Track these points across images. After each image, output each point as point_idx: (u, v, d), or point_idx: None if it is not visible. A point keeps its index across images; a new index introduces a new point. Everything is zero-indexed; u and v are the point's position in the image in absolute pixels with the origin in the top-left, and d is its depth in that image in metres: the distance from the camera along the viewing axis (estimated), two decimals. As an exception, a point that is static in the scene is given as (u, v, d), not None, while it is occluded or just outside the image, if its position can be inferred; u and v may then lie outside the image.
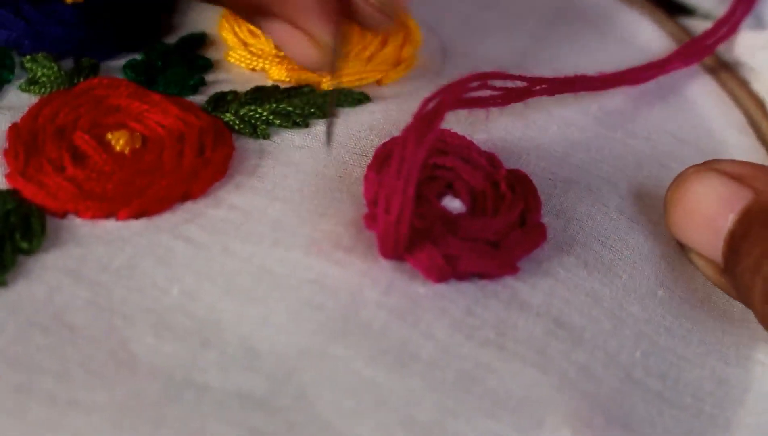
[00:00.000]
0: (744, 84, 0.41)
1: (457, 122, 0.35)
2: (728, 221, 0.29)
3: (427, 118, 0.29)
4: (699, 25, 0.43)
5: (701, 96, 0.40)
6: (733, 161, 0.31)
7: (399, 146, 0.29)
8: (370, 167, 0.31)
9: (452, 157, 0.32)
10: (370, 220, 0.30)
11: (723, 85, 0.41)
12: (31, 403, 0.25)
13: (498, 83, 0.33)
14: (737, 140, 0.38)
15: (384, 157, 0.31)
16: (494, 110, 0.37)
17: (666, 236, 0.33)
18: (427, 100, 0.30)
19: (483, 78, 0.31)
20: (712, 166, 0.30)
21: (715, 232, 0.29)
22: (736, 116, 0.39)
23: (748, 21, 0.41)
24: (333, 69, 0.32)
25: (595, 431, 0.27)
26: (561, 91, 0.35)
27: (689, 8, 0.44)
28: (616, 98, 0.38)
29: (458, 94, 0.30)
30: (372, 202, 0.30)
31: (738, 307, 0.32)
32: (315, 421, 0.26)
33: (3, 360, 0.26)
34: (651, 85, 0.39)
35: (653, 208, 0.34)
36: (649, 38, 0.42)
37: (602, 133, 0.37)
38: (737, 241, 0.29)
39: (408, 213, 0.28)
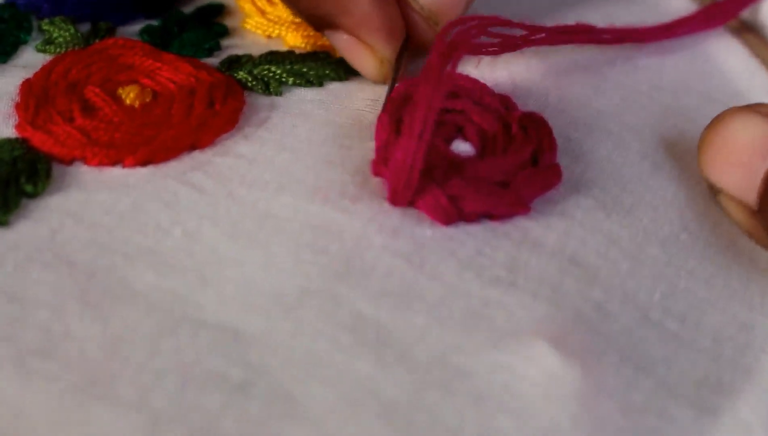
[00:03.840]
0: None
1: (474, 63, 0.34)
2: (767, 161, 0.28)
3: (441, 62, 0.29)
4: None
5: (730, 59, 0.39)
6: None
7: (415, 91, 0.28)
8: (384, 110, 0.31)
9: (464, 101, 0.31)
10: (379, 165, 0.29)
11: (752, 49, 0.40)
12: (26, 332, 0.25)
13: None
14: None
15: (400, 100, 0.31)
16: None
17: (692, 181, 0.32)
18: (441, 42, 0.29)
19: (482, 24, 0.31)
20: (754, 108, 0.29)
21: (752, 171, 0.28)
22: (764, 78, 0.38)
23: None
24: (394, 82, 0.33)
25: (605, 367, 0.26)
26: (563, 42, 0.34)
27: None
28: (642, 57, 0.38)
29: (469, 39, 0.30)
30: (382, 147, 0.30)
31: (765, 256, 0.30)
32: (312, 355, 0.25)
33: (0, 292, 0.26)
34: (678, 47, 0.38)
35: (679, 156, 0.33)
36: (680, 5, 0.41)
37: (628, 84, 0.36)
38: None
39: (421, 158, 0.28)
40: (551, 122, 0.31)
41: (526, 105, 0.32)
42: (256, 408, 0.24)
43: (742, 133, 0.29)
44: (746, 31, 0.40)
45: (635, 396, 0.26)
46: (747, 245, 0.30)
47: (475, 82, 0.32)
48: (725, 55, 0.39)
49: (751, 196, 0.28)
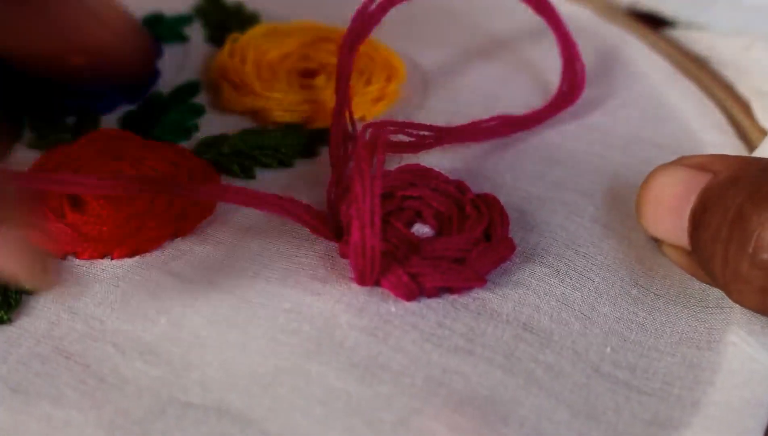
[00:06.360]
0: (725, 86, 0.41)
1: (432, 152, 0.37)
2: (691, 202, 0.31)
3: (368, 154, 0.31)
4: (683, 36, 0.44)
5: (680, 100, 0.41)
6: (697, 155, 0.32)
7: (353, 193, 0.31)
8: (345, 201, 0.33)
9: (421, 188, 0.34)
10: (345, 248, 0.32)
11: (703, 87, 0.42)
12: (30, 423, 0.28)
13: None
14: (718, 140, 0.39)
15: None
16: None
17: (642, 240, 0.34)
18: (362, 138, 0.32)
19: (396, 126, 0.35)
20: (677, 161, 0.32)
21: (680, 215, 0.31)
22: (716, 117, 0.40)
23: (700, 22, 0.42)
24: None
25: (558, 424, 0.28)
26: (454, 142, 0.37)
27: (670, 20, 0.45)
28: (593, 114, 0.40)
29: (386, 136, 0.33)
30: (347, 232, 0.32)
31: (712, 295, 0.32)
32: (287, 428, 0.28)
33: (5, 386, 0.29)
34: (630, 97, 0.41)
35: (629, 215, 0.35)
36: (633, 53, 0.44)
37: (580, 149, 0.38)
38: (698, 217, 0.30)
39: (378, 243, 0.30)
40: (506, 200, 0.34)
41: (482, 188, 0.35)
42: None
43: (668, 183, 0.31)
44: (698, 69, 0.42)
45: None
46: (696, 290, 0.32)
47: (430, 170, 0.35)
48: (677, 98, 0.41)
49: (685, 239, 0.31)
